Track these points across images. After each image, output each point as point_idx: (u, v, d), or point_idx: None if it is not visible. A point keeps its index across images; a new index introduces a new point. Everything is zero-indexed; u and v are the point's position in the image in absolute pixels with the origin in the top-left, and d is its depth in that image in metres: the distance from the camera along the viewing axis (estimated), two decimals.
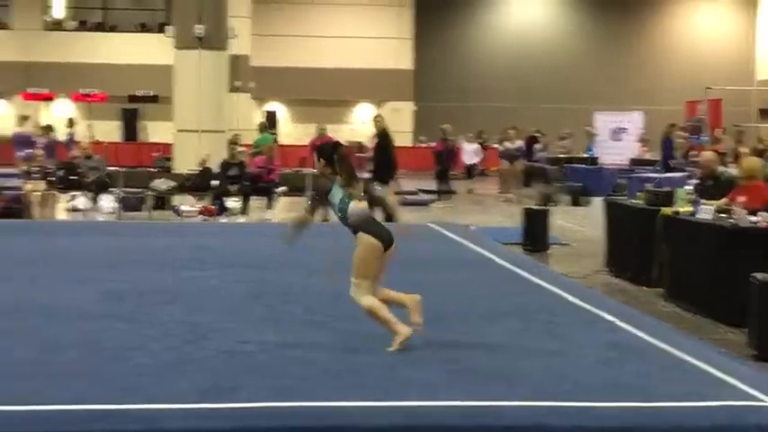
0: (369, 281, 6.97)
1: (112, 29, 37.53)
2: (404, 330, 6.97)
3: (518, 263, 11.83)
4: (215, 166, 18.62)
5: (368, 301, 6.99)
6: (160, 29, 34.71)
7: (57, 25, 37.59)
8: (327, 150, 7.27)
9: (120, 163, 24.86)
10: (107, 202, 18.78)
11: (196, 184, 18.45)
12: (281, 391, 5.88)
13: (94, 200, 18.28)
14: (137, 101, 35.75)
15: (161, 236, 14.67)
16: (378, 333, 7.09)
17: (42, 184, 17.67)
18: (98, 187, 18.13)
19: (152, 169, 21.34)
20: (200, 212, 18.30)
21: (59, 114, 34.30)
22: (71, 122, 25.87)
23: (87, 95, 34.55)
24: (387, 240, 7.02)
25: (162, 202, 18.86)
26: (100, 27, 37.65)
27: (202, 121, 20.31)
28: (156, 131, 35.48)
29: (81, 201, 18.89)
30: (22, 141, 21.70)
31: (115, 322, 7.87)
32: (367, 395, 5.83)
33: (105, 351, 6.88)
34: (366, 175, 17.01)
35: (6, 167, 26.51)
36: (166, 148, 29.05)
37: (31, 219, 17.35)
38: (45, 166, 18.37)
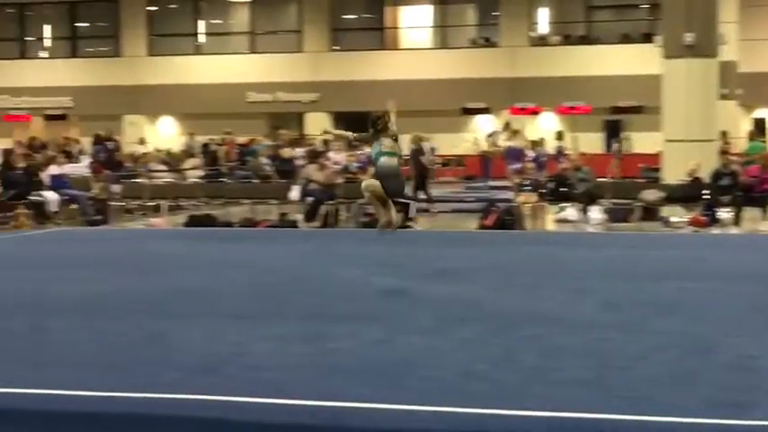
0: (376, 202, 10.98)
1: (595, 41, 37.88)
2: (386, 217, 11.37)
3: None
4: (705, 175, 18.19)
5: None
6: (644, 39, 34.56)
7: (542, 41, 38.62)
8: (372, 120, 11.48)
9: (604, 174, 25.01)
10: (595, 213, 18.97)
11: (686, 194, 18.12)
12: None
13: (583, 211, 18.53)
14: (620, 112, 35.77)
15: (651, 247, 14.58)
16: None
17: (534, 197, 18.20)
18: (587, 198, 18.35)
19: (639, 180, 21.26)
20: (690, 223, 17.96)
21: (545, 128, 35.16)
22: (559, 135, 26.44)
23: (572, 108, 35.10)
24: (390, 193, 11.14)
25: (650, 213, 18.74)
26: (583, 40, 38.15)
27: (691, 130, 19.91)
28: (639, 142, 35.31)
29: (570, 212, 19.25)
30: (514, 155, 22.52)
31: (616, 332, 7.90)
32: None
33: (610, 360, 6.91)
34: None
35: (499, 180, 27.72)
36: (651, 158, 28.85)
37: (523, 230, 17.96)
38: (536, 179, 18.91)
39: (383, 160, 10.70)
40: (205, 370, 6.69)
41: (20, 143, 31.40)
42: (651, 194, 18.53)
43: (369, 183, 11.16)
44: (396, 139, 10.92)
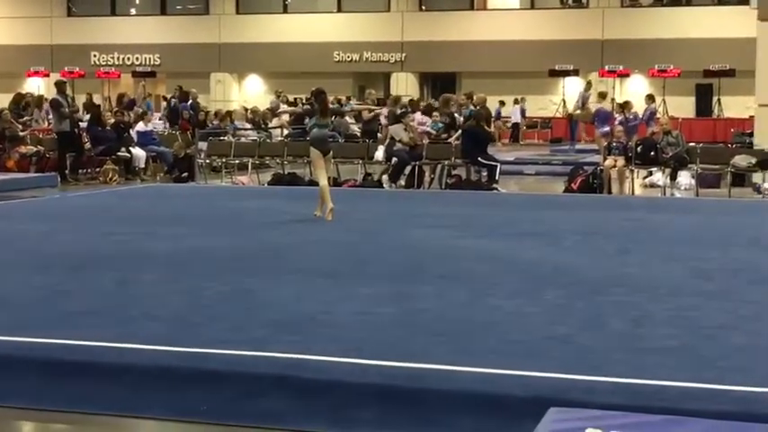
0: (320, 170, 12.84)
1: (688, 2, 37.11)
2: (329, 206, 12.50)
3: None
4: None
5: (323, 182, 12.77)
6: (739, 1, 33.73)
7: (633, 1, 37.94)
8: (314, 93, 13.39)
9: (694, 139, 24.57)
10: (684, 178, 18.64)
11: None
12: None
13: (672, 176, 18.20)
14: (711, 75, 35.04)
15: (741, 214, 14.31)
16: None
17: (621, 160, 17.93)
18: (676, 163, 18.02)
19: (730, 145, 20.81)
20: None
21: (634, 90, 34.62)
22: (650, 99, 25.98)
23: (663, 71, 34.45)
24: (324, 151, 12.87)
25: (741, 179, 18.36)
26: (676, 2, 37.39)
27: None
28: (731, 106, 34.59)
29: (658, 177, 18.94)
30: (603, 118, 22.20)
31: (705, 300, 7.77)
32: None
33: (698, 329, 6.80)
34: None
35: (586, 143, 27.43)
36: (742, 123, 28.24)
37: (609, 194, 17.74)
38: (624, 142, 18.60)
39: (315, 131, 12.92)
40: (290, 328, 6.74)
41: (108, 100, 31.87)
42: (742, 160, 18.07)
43: (312, 154, 13.12)
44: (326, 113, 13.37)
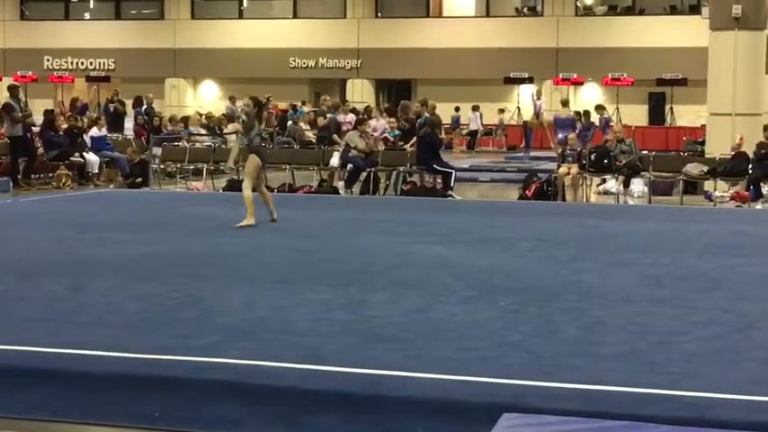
0: (251, 181, 12.56)
1: (642, 12, 37.46)
2: (251, 220, 12.33)
3: None
4: (750, 150, 17.96)
5: (247, 192, 12.51)
6: (691, 10, 34.13)
7: (587, 10, 38.25)
8: (257, 102, 13.38)
9: (647, 147, 24.79)
10: (637, 186, 18.79)
11: (729, 168, 17.89)
12: None
13: (625, 184, 18.34)
14: (664, 84, 35.38)
15: (693, 221, 14.45)
16: None
17: (575, 168, 18.05)
18: (629, 171, 18.16)
19: (683, 153, 21.02)
20: (733, 198, 17.79)
21: (588, 99, 34.86)
22: (601, 109, 26.14)
23: (616, 80, 34.74)
24: (264, 161, 12.95)
25: (693, 186, 18.57)
26: (629, 11, 37.74)
27: (737, 103, 19.66)
28: (683, 115, 34.95)
29: (611, 184, 19.08)
30: (561, 125, 22.34)
31: (656, 306, 7.84)
32: None
33: (651, 335, 6.86)
34: None
35: (543, 151, 27.55)
36: (694, 132, 28.55)
37: (563, 201, 17.85)
38: (578, 150, 18.72)
39: (257, 140, 13.02)
40: (242, 334, 6.72)
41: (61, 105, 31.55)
42: (694, 168, 18.27)
43: (250, 162, 12.89)
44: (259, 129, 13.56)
